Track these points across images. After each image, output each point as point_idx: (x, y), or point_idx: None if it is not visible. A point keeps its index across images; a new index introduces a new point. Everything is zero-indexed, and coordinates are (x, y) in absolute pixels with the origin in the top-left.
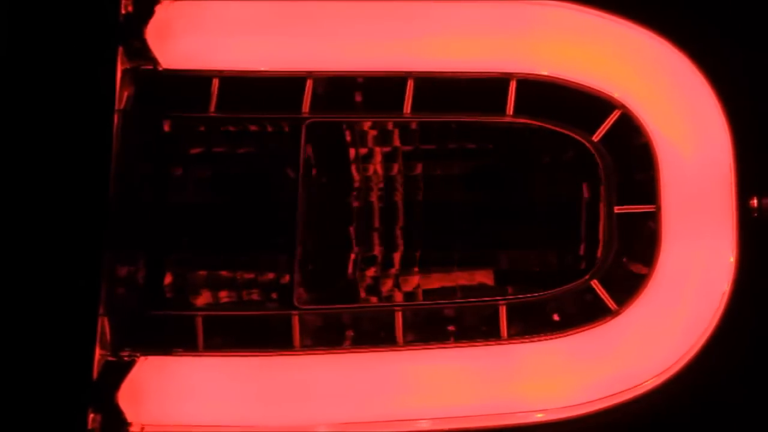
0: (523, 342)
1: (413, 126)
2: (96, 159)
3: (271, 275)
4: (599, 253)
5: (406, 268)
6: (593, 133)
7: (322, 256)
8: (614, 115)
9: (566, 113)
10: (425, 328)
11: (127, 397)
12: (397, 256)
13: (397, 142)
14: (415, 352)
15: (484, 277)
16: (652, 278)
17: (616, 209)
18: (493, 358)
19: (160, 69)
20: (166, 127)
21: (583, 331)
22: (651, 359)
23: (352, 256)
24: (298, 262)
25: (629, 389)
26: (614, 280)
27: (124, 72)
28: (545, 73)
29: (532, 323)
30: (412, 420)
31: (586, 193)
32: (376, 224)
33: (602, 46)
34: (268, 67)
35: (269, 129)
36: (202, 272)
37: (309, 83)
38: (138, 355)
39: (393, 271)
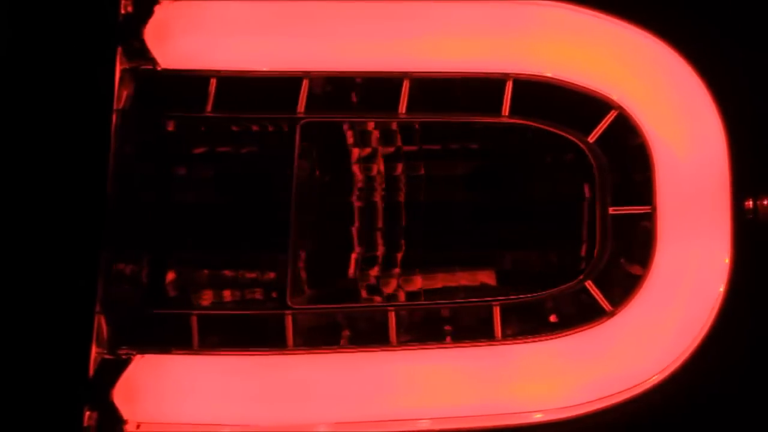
0: (517, 343)
1: (407, 126)
2: (94, 158)
3: (264, 275)
4: (594, 254)
5: (398, 268)
6: (589, 133)
7: (316, 256)
8: (610, 116)
9: (563, 114)
10: (420, 328)
11: (123, 395)
12: (394, 256)
13: (391, 143)
14: (408, 352)
15: (477, 278)
16: (648, 279)
17: (612, 210)
18: (487, 359)
19: (159, 69)
20: (164, 127)
21: (579, 332)
22: (646, 360)
23: (348, 255)
24: (292, 261)
25: (624, 390)
26: (609, 281)
27: (123, 72)
28: (542, 74)
29: (527, 324)
30: (405, 420)
31: (580, 194)
32: (374, 224)
33: (599, 47)
34: (265, 67)
35: (264, 129)
36: (198, 271)
37: (305, 83)
38: (134, 353)
39: (385, 271)
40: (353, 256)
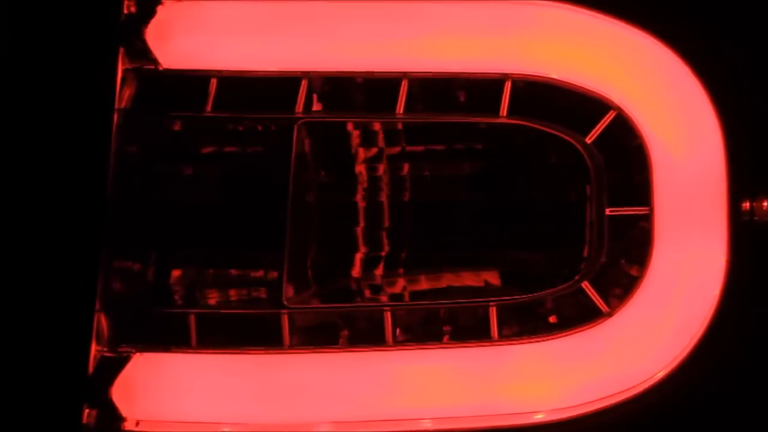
0: (514, 343)
1: (405, 127)
2: (95, 158)
3: (262, 274)
4: (590, 255)
5: (395, 269)
6: (587, 134)
7: (313, 256)
8: (608, 117)
9: (561, 114)
10: (417, 328)
11: (122, 393)
12: (391, 257)
13: (388, 143)
14: (405, 352)
15: (474, 278)
16: (645, 280)
17: (609, 211)
18: (484, 359)
19: (161, 69)
20: (165, 127)
21: (576, 333)
22: (644, 361)
23: (347, 255)
24: (288, 261)
25: (622, 391)
26: (607, 282)
27: (125, 71)
28: (541, 74)
29: (525, 324)
30: (401, 420)
31: (577, 195)
32: (370, 224)
33: (598, 47)
34: (265, 67)
35: (262, 128)
36: (196, 270)
37: (304, 83)
38: (134, 351)
39: (381, 271)
40: (356, 256)
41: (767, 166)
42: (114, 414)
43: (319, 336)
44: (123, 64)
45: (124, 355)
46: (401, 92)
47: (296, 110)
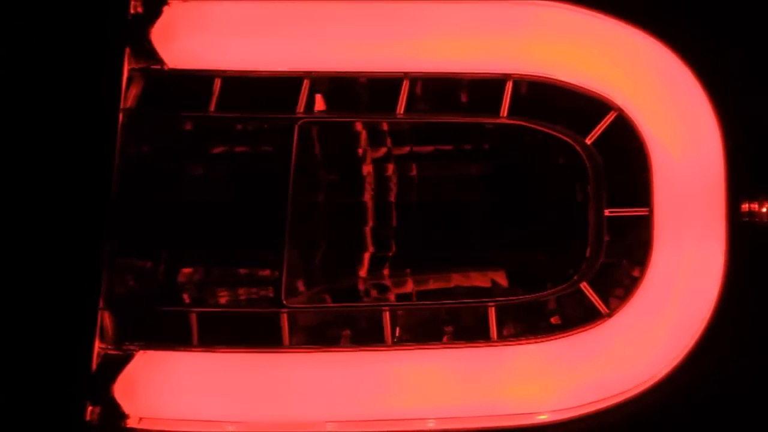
0: (513, 344)
1: (406, 127)
2: (100, 156)
3: (261, 273)
4: (589, 256)
5: (395, 269)
6: (587, 135)
7: (312, 256)
8: (609, 118)
9: (561, 114)
10: (417, 328)
11: (125, 390)
12: (389, 257)
13: (389, 143)
14: (404, 352)
15: (471, 279)
16: (644, 281)
17: (609, 212)
18: (483, 360)
19: (166, 69)
20: (169, 126)
21: (575, 333)
22: (643, 361)
23: (347, 255)
24: (289, 260)
25: (621, 392)
26: (606, 283)
27: (131, 71)
28: (541, 74)
29: (524, 325)
30: (399, 420)
31: (576, 196)
32: (370, 224)
33: (598, 48)
34: (267, 67)
35: (263, 128)
36: (199, 269)
37: (305, 83)
38: (136, 349)
39: (384, 271)
40: (356, 255)
41: (766, 167)
42: (117, 411)
43: (320, 335)
44: (129, 63)
45: (127, 352)
46: (402, 92)
47: (297, 110)
